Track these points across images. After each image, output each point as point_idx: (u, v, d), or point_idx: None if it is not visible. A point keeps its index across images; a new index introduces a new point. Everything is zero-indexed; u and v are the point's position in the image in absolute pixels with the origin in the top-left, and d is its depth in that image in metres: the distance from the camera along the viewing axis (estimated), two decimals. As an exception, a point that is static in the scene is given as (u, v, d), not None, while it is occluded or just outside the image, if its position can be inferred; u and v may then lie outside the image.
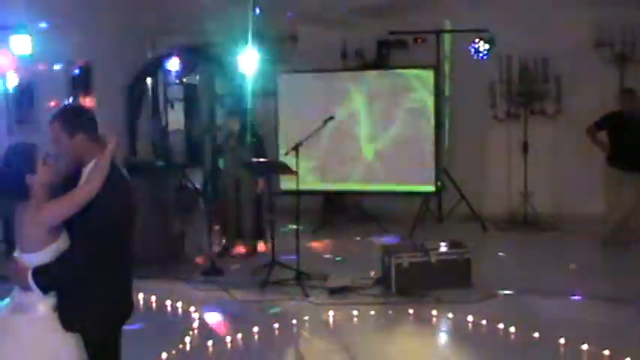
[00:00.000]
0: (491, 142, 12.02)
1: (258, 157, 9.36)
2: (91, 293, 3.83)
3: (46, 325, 3.81)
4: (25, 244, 3.82)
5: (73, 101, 11.11)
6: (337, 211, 12.15)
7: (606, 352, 6.02)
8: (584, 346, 6.12)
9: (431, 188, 11.09)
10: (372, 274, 8.44)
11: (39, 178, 3.80)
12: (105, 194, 3.72)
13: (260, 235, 10.02)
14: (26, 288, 3.77)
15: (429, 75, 10.98)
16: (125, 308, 4.05)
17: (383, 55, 12.26)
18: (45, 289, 3.74)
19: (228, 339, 6.58)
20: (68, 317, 3.80)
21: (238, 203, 9.79)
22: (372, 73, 11.61)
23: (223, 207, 10.04)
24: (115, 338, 4.03)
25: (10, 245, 9.40)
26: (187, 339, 6.47)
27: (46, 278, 3.73)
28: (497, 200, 11.81)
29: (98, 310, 3.86)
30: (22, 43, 9.14)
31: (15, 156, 3.89)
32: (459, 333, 6.90)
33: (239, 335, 6.65)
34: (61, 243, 3.81)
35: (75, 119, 3.89)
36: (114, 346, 4.03)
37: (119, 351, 4.04)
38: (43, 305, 3.80)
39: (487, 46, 11.09)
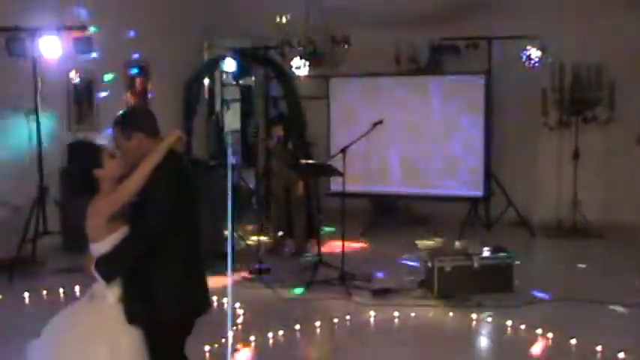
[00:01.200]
0: (541, 149, 12.01)
1: (304, 158, 9.58)
2: (151, 288, 3.97)
3: (110, 314, 4.02)
4: (90, 235, 4.06)
5: (130, 101, 11.46)
6: (386, 214, 12.28)
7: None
8: (621, 355, 6.15)
9: (479, 194, 11.17)
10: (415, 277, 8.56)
11: (106, 172, 4.03)
12: (157, 184, 3.89)
13: (310, 235, 10.21)
14: (95, 277, 4.01)
15: (480, 81, 11.06)
16: (192, 304, 4.08)
17: (435, 61, 12.33)
18: (105, 278, 3.96)
19: (270, 335, 6.77)
20: (130, 310, 3.97)
21: (287, 204, 10.01)
22: (424, 78, 11.72)
23: (273, 207, 10.28)
24: (181, 337, 4.12)
25: (68, 238, 9.79)
26: (230, 334, 6.66)
27: (104, 267, 3.94)
28: (546, 207, 11.81)
29: (160, 305, 3.97)
30: (82, 44, 9.41)
31: (79, 153, 4.18)
32: (496, 337, 6.99)
33: (280, 332, 6.84)
34: (122, 233, 4.03)
35: (130, 121, 4.10)
36: (178, 345, 4.12)
37: (182, 349, 4.14)
38: (111, 295, 4.03)
39: (539, 53, 11.11)
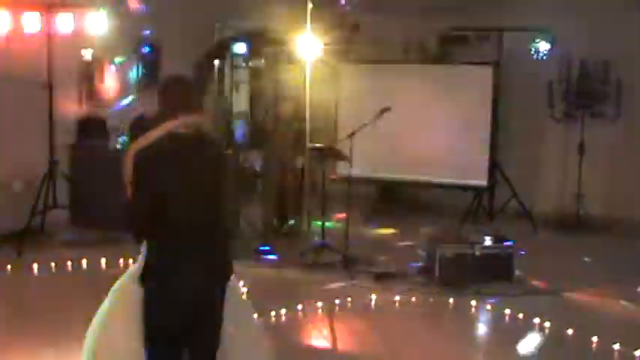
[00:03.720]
0: (547, 141, 12.06)
1: (303, 142, 9.64)
2: (146, 266, 3.97)
3: (131, 290, 4.10)
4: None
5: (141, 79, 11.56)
6: (390, 200, 12.40)
7: (637, 353, 6.17)
8: (616, 346, 6.28)
9: (483, 184, 11.27)
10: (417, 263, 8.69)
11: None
12: (138, 158, 3.87)
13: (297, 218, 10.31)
14: None
15: (488, 72, 11.14)
16: (181, 295, 3.90)
17: (444, 50, 12.40)
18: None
19: (273, 314, 6.92)
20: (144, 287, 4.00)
21: (283, 182, 10.04)
22: (433, 67, 11.81)
23: (271, 188, 10.30)
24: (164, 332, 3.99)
25: (76, 212, 9.93)
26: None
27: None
28: (549, 200, 11.88)
29: (151, 287, 3.95)
30: (96, 22, 9.52)
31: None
32: (495, 324, 7.12)
33: (283, 311, 6.98)
34: None
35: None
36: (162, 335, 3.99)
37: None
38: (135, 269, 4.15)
39: (548, 46, 11.18)
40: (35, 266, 8.24)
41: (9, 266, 8.24)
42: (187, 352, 4.09)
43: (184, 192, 3.91)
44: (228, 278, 4.11)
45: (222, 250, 4.10)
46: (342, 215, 9.18)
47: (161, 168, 3.88)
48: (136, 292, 4.00)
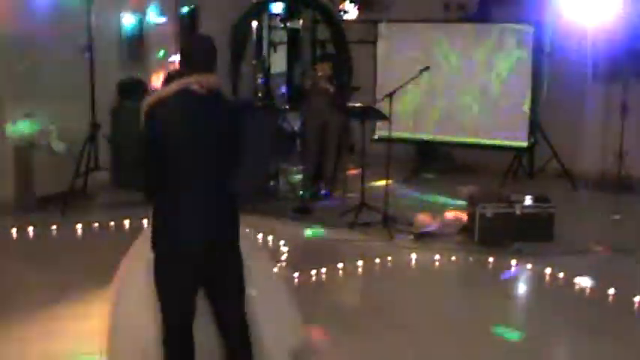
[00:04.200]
0: (588, 101, 11.89)
1: (343, 101, 9.59)
2: (154, 216, 4.06)
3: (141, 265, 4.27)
4: None
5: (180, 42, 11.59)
6: (429, 160, 12.37)
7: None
8: (658, 305, 6.26)
9: (523, 143, 11.20)
10: (456, 222, 8.67)
11: None
12: (148, 113, 3.95)
13: (335, 179, 10.33)
14: None
15: (529, 30, 11.01)
16: (179, 237, 3.95)
17: (485, 9, 12.26)
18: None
19: (314, 272, 6.98)
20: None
21: (322, 143, 9.97)
22: (473, 26, 11.68)
23: (310, 149, 10.29)
24: (178, 272, 4.01)
25: (117, 174, 10.06)
26: (275, 269, 6.86)
27: None
28: (590, 160, 11.74)
29: (152, 236, 4.06)
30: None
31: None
32: (535, 283, 7.13)
33: (323, 269, 7.04)
34: None
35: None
36: (175, 281, 4.03)
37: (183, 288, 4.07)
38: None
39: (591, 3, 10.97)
40: (79, 226, 8.38)
41: (54, 226, 8.39)
42: (214, 316, 4.20)
43: (191, 147, 3.93)
44: (236, 236, 4.13)
45: (229, 208, 4.11)
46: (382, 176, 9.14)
47: (170, 122, 3.93)
48: (148, 263, 4.09)
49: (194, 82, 3.94)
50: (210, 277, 4.09)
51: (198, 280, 4.07)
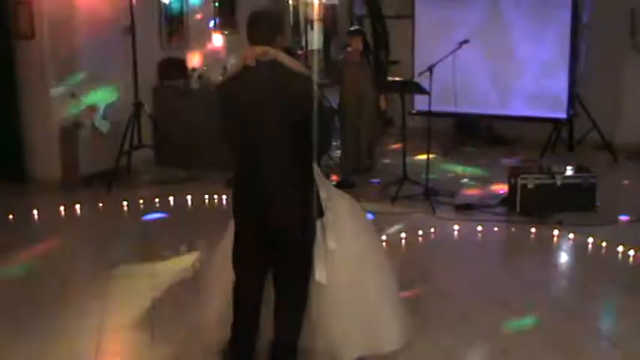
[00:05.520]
0: (628, 71, 11.78)
1: (380, 75, 9.58)
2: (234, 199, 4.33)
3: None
4: None
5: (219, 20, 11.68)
6: (469, 133, 12.39)
7: None
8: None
9: (563, 115, 11.17)
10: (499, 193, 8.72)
11: None
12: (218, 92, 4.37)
13: (371, 153, 10.41)
14: None
15: (568, 1, 10.94)
16: (245, 212, 4.23)
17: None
18: None
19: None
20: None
21: (358, 118, 9.92)
22: (510, -1, 11.64)
23: (348, 124, 10.28)
24: (244, 244, 4.30)
25: (160, 152, 10.20)
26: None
27: None
28: (630, 130, 11.66)
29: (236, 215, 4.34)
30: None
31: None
32: (577, 253, 7.16)
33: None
34: None
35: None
36: (241, 252, 4.33)
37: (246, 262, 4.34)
38: None
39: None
40: (125, 203, 8.54)
41: (100, 204, 8.57)
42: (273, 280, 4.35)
43: (250, 122, 4.04)
44: (303, 211, 4.20)
45: (290, 182, 4.14)
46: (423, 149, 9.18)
47: (231, 99, 4.10)
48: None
49: (249, 56, 4.05)
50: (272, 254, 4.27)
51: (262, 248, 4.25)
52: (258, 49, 4.06)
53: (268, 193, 4.09)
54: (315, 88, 4.08)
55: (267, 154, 4.05)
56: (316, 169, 4.34)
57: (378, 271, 4.74)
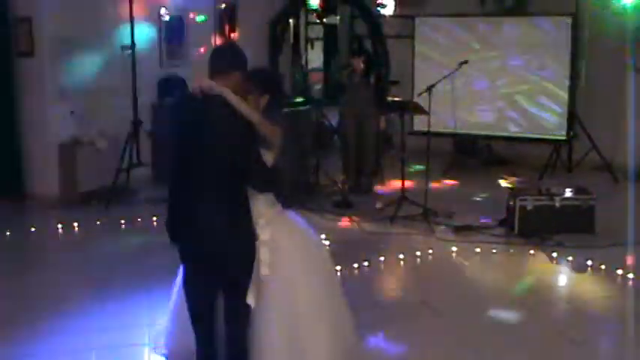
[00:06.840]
0: (628, 92, 11.77)
1: (380, 96, 9.60)
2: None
3: None
4: None
5: (218, 38, 11.70)
6: (468, 154, 12.38)
7: None
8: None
9: (562, 136, 11.17)
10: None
11: None
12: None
13: (375, 174, 10.39)
14: None
15: (567, 22, 10.97)
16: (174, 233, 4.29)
17: (521, 2, 12.22)
18: None
19: (356, 265, 7.05)
20: None
21: (359, 138, 10.01)
22: (510, 19, 11.66)
23: (348, 144, 10.27)
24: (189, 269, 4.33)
25: (158, 170, 10.19)
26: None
27: None
28: (630, 153, 11.59)
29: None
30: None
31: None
32: (576, 275, 7.11)
33: (365, 263, 7.11)
34: None
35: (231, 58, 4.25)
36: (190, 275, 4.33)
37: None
38: None
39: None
40: (122, 221, 8.51)
41: (98, 222, 8.54)
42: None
43: (184, 147, 4.11)
44: (242, 238, 4.19)
45: (226, 208, 4.10)
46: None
47: (172, 122, 4.28)
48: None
49: (197, 87, 4.09)
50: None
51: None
52: (206, 82, 4.09)
53: (198, 223, 4.12)
54: (252, 132, 4.06)
55: (197, 181, 4.08)
56: (263, 199, 4.42)
57: (314, 302, 4.67)
